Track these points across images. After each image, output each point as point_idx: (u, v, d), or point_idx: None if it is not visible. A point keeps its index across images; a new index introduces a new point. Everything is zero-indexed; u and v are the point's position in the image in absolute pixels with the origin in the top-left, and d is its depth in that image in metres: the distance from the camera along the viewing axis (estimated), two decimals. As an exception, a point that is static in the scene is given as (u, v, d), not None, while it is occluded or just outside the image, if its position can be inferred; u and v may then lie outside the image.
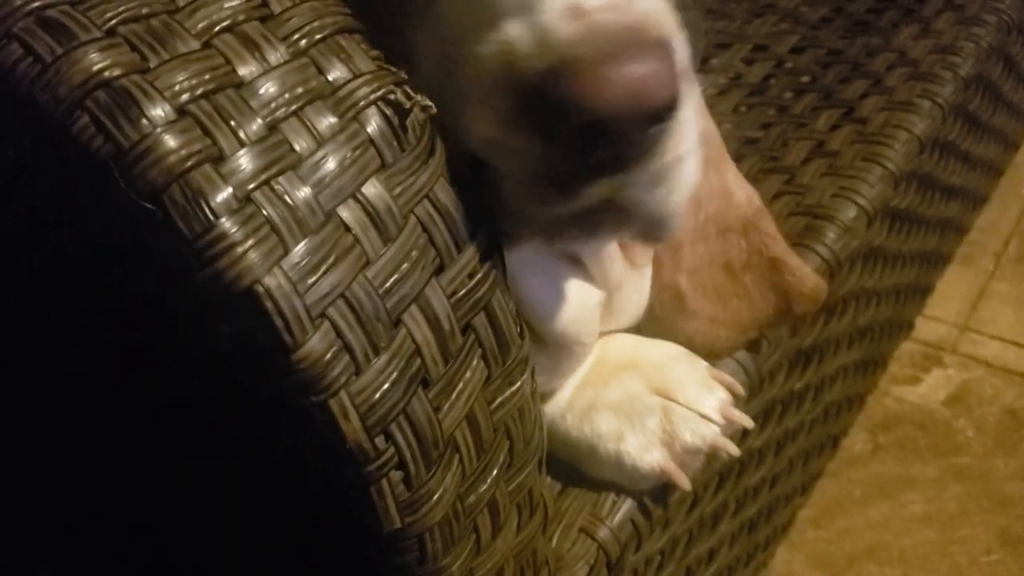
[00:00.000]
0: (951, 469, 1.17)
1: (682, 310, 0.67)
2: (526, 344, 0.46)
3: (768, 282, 0.68)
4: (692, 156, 0.46)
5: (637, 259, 0.63)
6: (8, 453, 0.69)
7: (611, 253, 0.60)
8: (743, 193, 0.68)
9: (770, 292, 0.68)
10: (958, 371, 1.28)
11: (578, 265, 0.58)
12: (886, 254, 0.91)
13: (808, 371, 0.83)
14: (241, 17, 0.38)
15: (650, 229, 0.47)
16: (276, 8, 0.39)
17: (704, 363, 0.65)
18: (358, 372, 0.38)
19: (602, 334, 0.65)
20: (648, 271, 0.65)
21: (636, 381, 0.63)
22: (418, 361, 0.40)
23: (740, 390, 0.65)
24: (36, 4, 0.36)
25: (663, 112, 0.41)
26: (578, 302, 0.58)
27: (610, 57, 0.39)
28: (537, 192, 0.43)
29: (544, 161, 0.41)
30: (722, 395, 0.63)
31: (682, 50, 0.43)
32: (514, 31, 0.40)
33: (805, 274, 0.69)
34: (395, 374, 0.39)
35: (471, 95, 0.42)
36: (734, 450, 0.62)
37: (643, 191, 0.44)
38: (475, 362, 0.43)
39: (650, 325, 0.68)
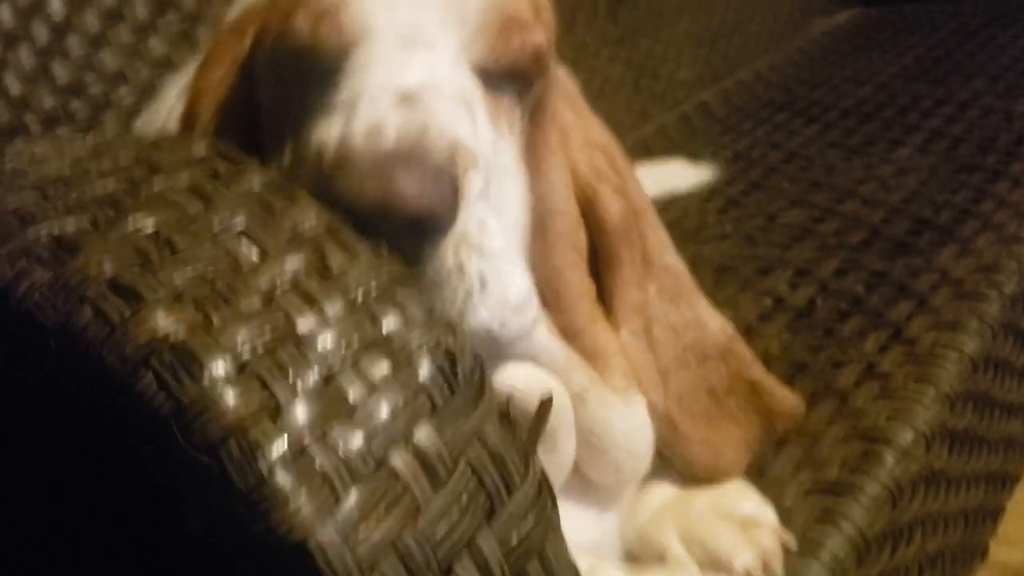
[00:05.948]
0: None
1: (677, 436, 0.69)
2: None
3: (751, 404, 0.72)
4: (496, 282, 0.50)
5: (613, 381, 0.63)
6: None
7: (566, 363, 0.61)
8: (716, 323, 0.71)
9: (754, 413, 0.72)
10: (1042, 597, 1.21)
11: None
12: (949, 477, 0.88)
13: (879, 604, 0.79)
14: (302, 276, 0.40)
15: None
16: (335, 265, 0.41)
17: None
18: (409, 626, 0.37)
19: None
20: (638, 405, 0.65)
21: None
22: (470, 612, 0.39)
23: None
24: (109, 275, 0.38)
25: (420, 224, 0.47)
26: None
27: (378, 170, 0.46)
28: None
29: None
30: None
31: (471, 182, 0.49)
32: (333, 132, 0.48)
33: (783, 394, 0.74)
34: (446, 627, 0.38)
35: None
36: None
37: (431, 290, 0.48)
38: (529, 611, 0.41)
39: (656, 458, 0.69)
